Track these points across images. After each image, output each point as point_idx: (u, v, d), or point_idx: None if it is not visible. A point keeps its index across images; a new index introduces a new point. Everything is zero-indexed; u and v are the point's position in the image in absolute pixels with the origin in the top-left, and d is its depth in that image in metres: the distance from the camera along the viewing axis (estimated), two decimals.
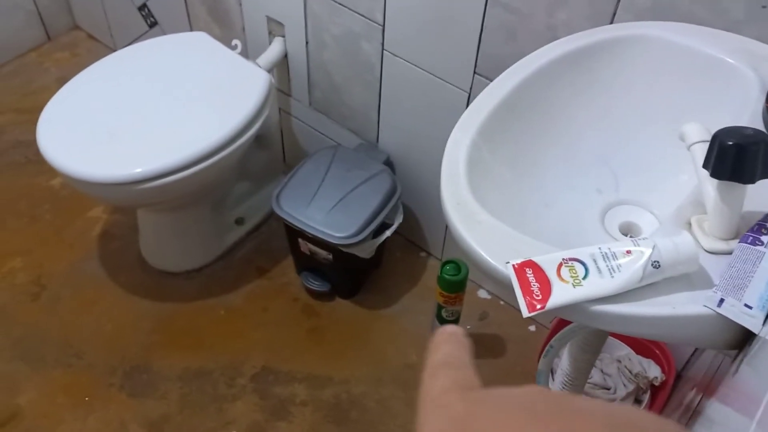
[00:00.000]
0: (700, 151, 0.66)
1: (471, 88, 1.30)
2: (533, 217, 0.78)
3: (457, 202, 0.70)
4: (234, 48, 1.58)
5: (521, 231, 0.68)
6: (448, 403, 0.27)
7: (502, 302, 1.63)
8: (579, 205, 0.83)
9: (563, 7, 1.08)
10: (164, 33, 1.90)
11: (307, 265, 1.61)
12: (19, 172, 1.89)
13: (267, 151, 1.76)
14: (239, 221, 1.76)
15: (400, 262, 1.71)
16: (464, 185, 0.71)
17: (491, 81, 1.23)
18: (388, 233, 1.49)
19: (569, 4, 1.07)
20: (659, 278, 0.60)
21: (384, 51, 1.40)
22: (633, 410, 0.27)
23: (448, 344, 0.33)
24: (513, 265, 0.62)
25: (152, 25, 1.94)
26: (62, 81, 1.51)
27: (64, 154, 1.34)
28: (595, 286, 0.60)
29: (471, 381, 0.30)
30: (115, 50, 1.62)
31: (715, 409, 0.71)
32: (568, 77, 0.86)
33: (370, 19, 1.37)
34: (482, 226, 0.67)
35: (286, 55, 1.61)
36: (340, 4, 1.40)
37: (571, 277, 0.61)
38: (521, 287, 0.61)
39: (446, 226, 1.66)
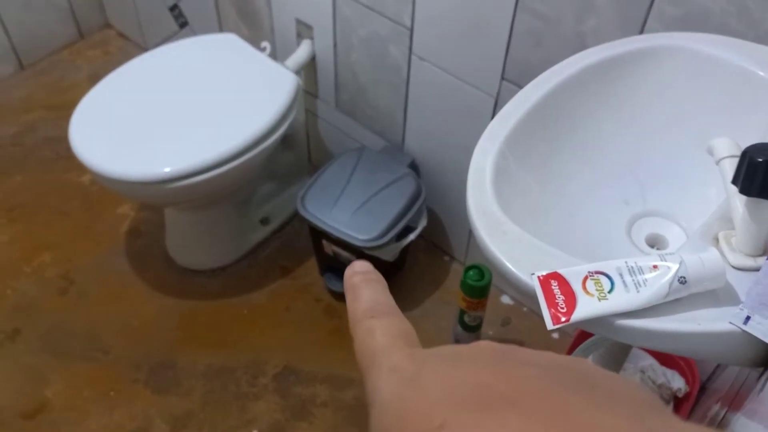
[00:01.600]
0: (729, 167, 0.65)
1: (498, 94, 1.30)
2: (559, 228, 0.78)
3: (483, 211, 0.70)
4: (263, 50, 1.60)
5: (546, 241, 0.68)
6: (397, 365, 0.27)
7: (524, 308, 1.63)
8: (605, 216, 0.83)
9: (592, 15, 1.08)
10: (194, 33, 1.92)
11: (330, 265, 1.62)
12: (49, 168, 1.92)
13: (293, 152, 1.78)
14: (264, 221, 1.77)
15: (423, 265, 1.72)
16: (490, 195, 0.71)
17: (518, 86, 1.23)
18: (411, 237, 1.49)
19: (598, 11, 1.07)
20: (685, 294, 0.60)
21: (411, 55, 1.41)
22: (577, 360, 0.26)
23: (367, 288, 0.32)
24: (538, 277, 0.62)
25: (183, 25, 1.96)
26: (94, 78, 1.54)
27: (94, 152, 1.36)
28: (621, 300, 0.60)
29: (407, 330, 0.30)
30: (145, 49, 1.64)
31: (741, 424, 0.70)
32: (596, 87, 0.86)
33: (398, 23, 1.38)
34: (508, 237, 0.67)
35: (313, 57, 1.62)
36: (369, 8, 1.41)
37: (597, 290, 0.61)
38: (546, 299, 0.61)
39: (470, 231, 1.66)
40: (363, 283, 0.32)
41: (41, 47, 2.20)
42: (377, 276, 0.33)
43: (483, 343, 0.28)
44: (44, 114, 2.07)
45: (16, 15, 2.08)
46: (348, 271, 0.33)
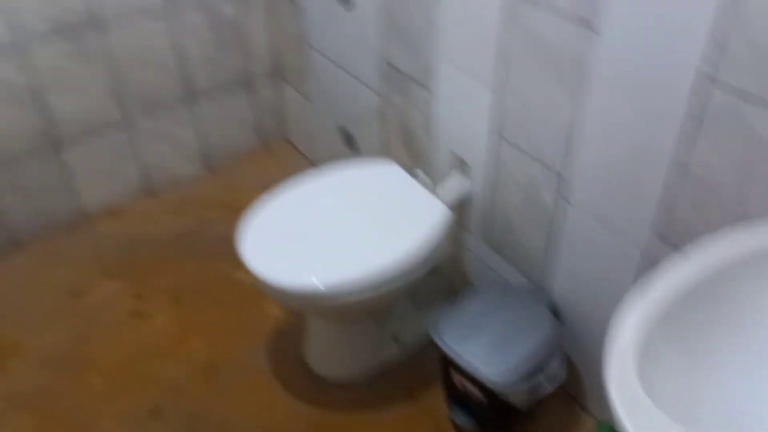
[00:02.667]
0: None
1: (646, 249, 1.28)
2: (708, 414, 0.75)
3: (624, 390, 0.69)
4: (420, 180, 1.69)
5: (692, 428, 0.65)
6: None
7: None
8: (763, 405, 0.78)
9: (753, 182, 1.05)
10: (361, 155, 2.08)
11: (457, 398, 1.60)
12: (213, 261, 2.11)
13: (434, 277, 1.82)
14: (396, 339, 1.81)
15: (554, 414, 1.66)
16: (633, 374, 0.70)
17: (667, 244, 1.21)
18: (549, 387, 1.45)
19: (760, 180, 1.04)
20: None
21: (562, 201, 1.43)
22: None
23: None
24: None
25: (351, 147, 2.13)
26: (266, 186, 1.70)
27: (258, 258, 1.48)
28: None
29: None
30: (315, 165, 1.80)
31: None
32: (760, 269, 0.83)
33: (551, 170, 1.42)
34: (650, 421, 0.66)
35: (466, 192, 1.69)
36: (526, 152, 1.46)
37: None
38: None
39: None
40: None
41: (225, 154, 2.49)
42: None
43: None
44: (219, 213, 2.29)
45: (209, 125, 2.39)
46: None
